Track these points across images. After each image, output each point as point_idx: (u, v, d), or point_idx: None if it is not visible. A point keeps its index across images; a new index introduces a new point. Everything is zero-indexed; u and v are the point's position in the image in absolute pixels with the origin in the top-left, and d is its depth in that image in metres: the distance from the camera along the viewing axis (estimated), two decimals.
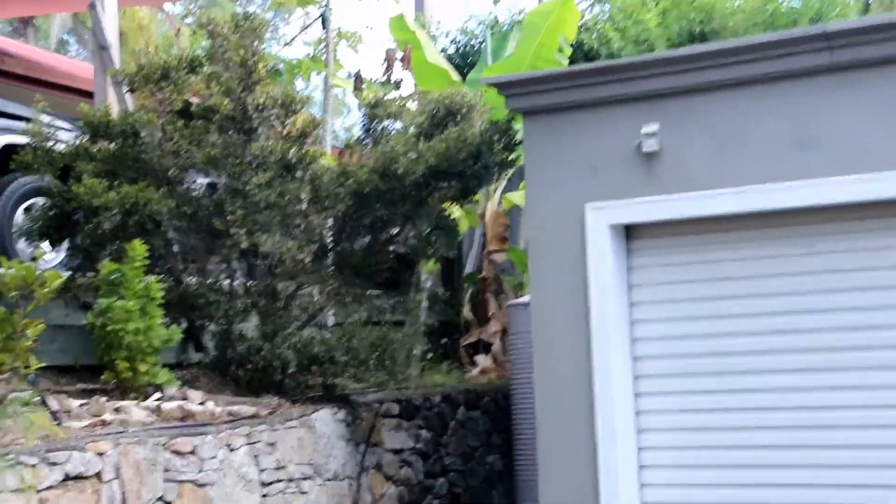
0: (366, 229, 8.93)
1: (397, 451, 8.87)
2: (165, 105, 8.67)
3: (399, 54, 12.11)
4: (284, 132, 8.79)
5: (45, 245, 8.58)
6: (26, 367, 6.67)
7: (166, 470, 6.39)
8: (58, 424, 6.18)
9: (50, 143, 8.43)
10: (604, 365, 7.20)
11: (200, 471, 6.62)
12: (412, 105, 9.95)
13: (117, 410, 6.82)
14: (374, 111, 9.33)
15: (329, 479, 7.91)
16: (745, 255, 7.10)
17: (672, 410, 7.23)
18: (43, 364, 6.88)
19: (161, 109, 8.61)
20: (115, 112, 8.73)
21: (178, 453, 6.49)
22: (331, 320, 9.74)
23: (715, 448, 7.09)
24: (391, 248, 9.21)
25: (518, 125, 8.59)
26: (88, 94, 10.72)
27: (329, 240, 9.00)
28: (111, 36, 10.06)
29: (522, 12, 15.30)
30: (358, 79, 11.89)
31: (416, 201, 8.66)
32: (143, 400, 7.20)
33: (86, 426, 6.41)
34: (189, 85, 8.79)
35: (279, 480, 7.35)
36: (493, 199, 11.75)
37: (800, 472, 6.84)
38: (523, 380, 9.11)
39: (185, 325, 8.42)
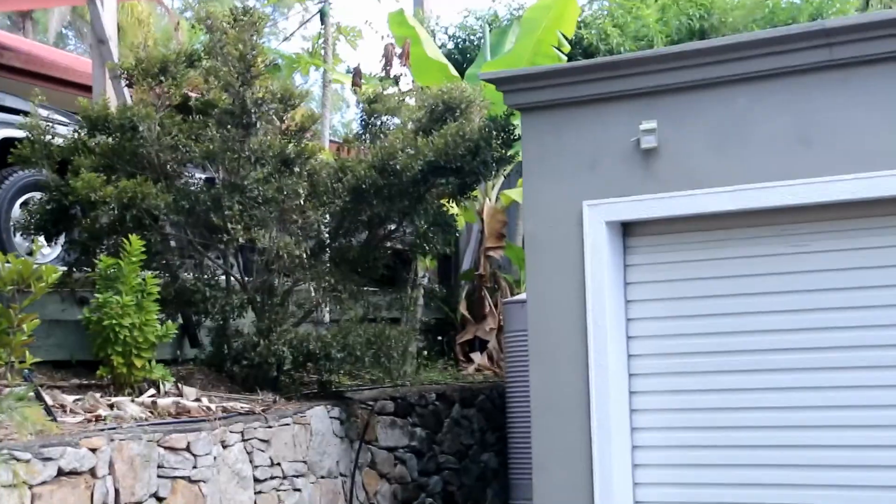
0: (363, 225, 8.92)
1: (391, 449, 8.85)
2: (164, 99, 8.66)
3: (398, 50, 12.08)
4: (283, 127, 8.79)
5: (42, 240, 8.55)
6: (21, 361, 6.65)
7: (160, 466, 6.36)
8: (52, 420, 6.16)
9: (48, 137, 8.40)
10: (600, 363, 7.18)
11: (194, 467, 6.59)
12: (411, 100, 9.92)
13: (112, 406, 6.81)
14: (373, 106, 9.33)
15: (323, 477, 7.90)
16: (743, 252, 7.09)
17: (667, 409, 7.22)
18: (38, 359, 6.87)
19: (159, 104, 8.60)
20: (113, 106, 8.70)
21: (172, 449, 6.47)
22: (327, 317, 9.73)
23: (709, 447, 7.09)
24: (388, 244, 9.19)
25: (517, 121, 8.57)
26: (87, 88, 10.69)
27: (326, 236, 8.99)
28: (110, 30, 10.04)
29: (521, 8, 15.29)
30: (357, 74, 11.85)
31: (413, 197, 8.64)
32: (138, 396, 7.19)
33: (80, 422, 6.40)
34: (187, 79, 8.78)
35: (273, 477, 7.34)
36: (490, 196, 11.73)
37: (794, 472, 6.84)
38: (518, 377, 9.10)
39: (180, 320, 8.41)
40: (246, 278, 8.65)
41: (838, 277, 6.79)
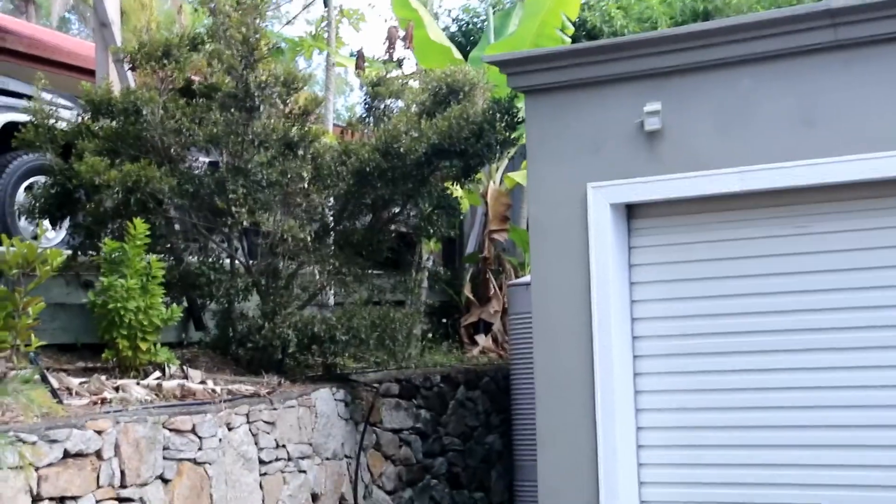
0: (367, 208, 8.92)
1: (396, 431, 8.88)
2: (167, 83, 8.65)
3: (401, 32, 12.04)
4: (286, 110, 8.77)
5: (47, 223, 8.56)
6: (27, 344, 6.66)
7: (165, 448, 6.39)
8: (58, 402, 6.18)
9: (51, 121, 8.41)
10: (604, 345, 7.19)
11: (200, 449, 6.62)
12: (414, 83, 9.90)
13: (117, 389, 6.82)
14: (377, 89, 9.31)
15: (328, 459, 7.92)
16: (747, 234, 7.09)
17: (672, 391, 7.23)
18: (44, 342, 6.87)
19: (163, 87, 8.58)
20: (116, 90, 8.69)
21: (177, 432, 6.49)
22: (332, 300, 9.73)
23: (714, 428, 7.10)
24: (392, 227, 9.20)
25: (520, 104, 8.56)
26: (90, 72, 10.68)
27: (330, 219, 8.99)
28: (113, 13, 10.00)
29: None
30: (360, 57, 11.83)
31: (417, 180, 8.63)
32: (144, 378, 7.20)
33: (86, 404, 6.42)
34: (191, 63, 8.76)
35: (278, 459, 7.36)
36: (494, 179, 11.72)
37: (800, 452, 6.86)
38: (523, 360, 9.11)
39: (185, 304, 8.42)
40: (250, 261, 8.65)
41: (846, 258, 6.78)
